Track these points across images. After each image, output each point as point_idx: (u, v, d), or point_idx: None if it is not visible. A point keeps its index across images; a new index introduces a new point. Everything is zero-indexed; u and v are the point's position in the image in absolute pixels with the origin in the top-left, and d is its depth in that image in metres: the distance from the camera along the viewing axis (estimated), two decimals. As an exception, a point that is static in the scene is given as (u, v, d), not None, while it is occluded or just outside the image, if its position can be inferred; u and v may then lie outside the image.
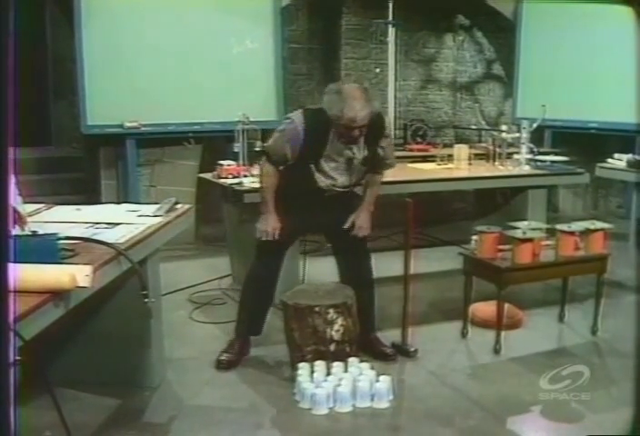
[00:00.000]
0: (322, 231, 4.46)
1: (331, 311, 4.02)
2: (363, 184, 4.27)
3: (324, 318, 4.01)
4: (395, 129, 7.89)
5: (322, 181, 4.06)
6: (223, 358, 4.23)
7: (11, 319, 1.60)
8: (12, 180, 1.72)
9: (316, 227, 4.35)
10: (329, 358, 4.02)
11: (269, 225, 4.07)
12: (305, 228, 4.35)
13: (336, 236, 4.32)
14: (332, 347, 4.05)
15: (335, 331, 4.04)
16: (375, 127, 3.97)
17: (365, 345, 4.33)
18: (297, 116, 3.98)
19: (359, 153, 4.04)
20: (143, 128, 6.67)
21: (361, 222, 4.21)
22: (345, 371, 3.95)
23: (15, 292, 1.61)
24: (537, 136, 7.11)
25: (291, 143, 3.96)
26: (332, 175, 4.06)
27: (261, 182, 4.16)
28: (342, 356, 4.04)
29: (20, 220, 2.94)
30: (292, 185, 4.06)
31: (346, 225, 4.19)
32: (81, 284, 2.55)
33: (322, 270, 4.69)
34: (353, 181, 4.14)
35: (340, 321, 4.03)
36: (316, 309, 4.02)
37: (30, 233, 2.90)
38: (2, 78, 1.47)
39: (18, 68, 1.57)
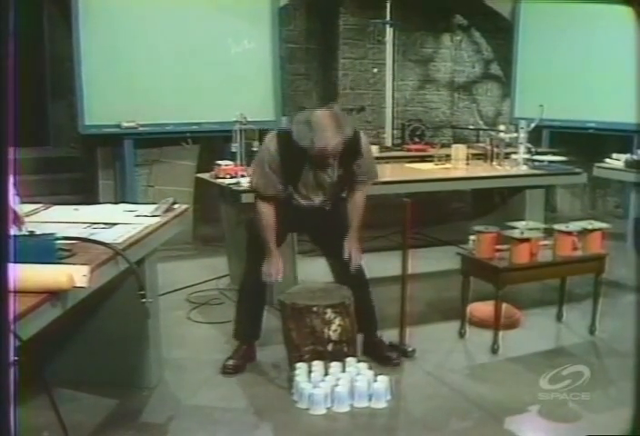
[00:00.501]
0: (307, 234, 4.46)
1: (329, 311, 4.01)
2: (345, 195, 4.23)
3: (321, 318, 4.01)
4: (393, 129, 7.92)
5: (299, 201, 4.05)
6: (229, 363, 4.20)
7: (9, 319, 1.60)
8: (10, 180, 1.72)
9: (301, 230, 4.36)
10: (327, 358, 4.01)
11: (273, 268, 4.07)
12: (291, 230, 4.35)
13: (322, 241, 4.34)
14: (329, 347, 4.04)
15: (333, 331, 4.03)
16: (349, 149, 3.87)
17: (368, 349, 4.33)
18: (272, 143, 3.90)
19: (333, 173, 3.99)
20: (140, 128, 6.66)
21: (354, 252, 4.16)
22: (343, 371, 3.95)
23: (12, 292, 1.61)
24: (535, 136, 7.11)
25: (273, 171, 3.90)
26: (309, 196, 4.05)
27: (260, 222, 4.05)
28: (340, 356, 4.03)
29: (17, 220, 2.94)
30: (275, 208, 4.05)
31: (345, 256, 4.13)
32: (78, 284, 2.55)
33: (318, 270, 4.68)
34: (330, 197, 4.11)
35: (338, 321, 4.03)
36: (314, 309, 4.01)
37: (27, 234, 2.90)
38: (2, 78, 1.47)
39: (18, 69, 1.56)
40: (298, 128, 3.73)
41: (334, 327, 4.03)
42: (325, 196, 4.08)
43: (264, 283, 4.21)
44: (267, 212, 4.00)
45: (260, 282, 4.19)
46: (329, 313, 4.01)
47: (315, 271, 4.49)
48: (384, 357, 4.28)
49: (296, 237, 5.14)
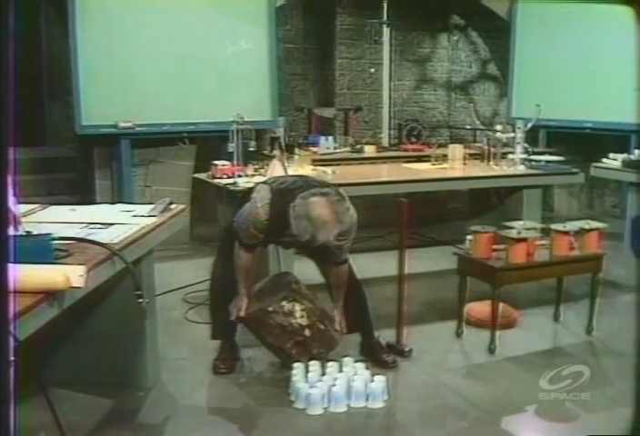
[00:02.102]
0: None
1: (284, 303, 3.97)
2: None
3: (282, 313, 3.96)
4: (390, 129, 7.92)
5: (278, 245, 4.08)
6: (219, 365, 4.19)
7: (7, 320, 1.60)
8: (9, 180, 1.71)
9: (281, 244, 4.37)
10: (310, 342, 4.00)
11: (238, 306, 4.02)
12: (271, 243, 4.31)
13: (305, 248, 4.18)
14: (307, 332, 4.00)
15: (300, 317, 3.98)
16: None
17: (365, 350, 4.32)
18: (263, 209, 3.78)
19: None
20: (137, 128, 6.65)
21: (339, 320, 4.13)
22: (340, 371, 3.95)
23: (10, 292, 1.61)
24: (532, 136, 7.12)
25: (259, 231, 3.84)
26: (287, 247, 4.11)
27: (236, 267, 4.00)
28: (321, 335, 4.03)
29: (14, 220, 2.93)
30: None
31: (337, 327, 4.11)
32: (75, 285, 2.55)
33: (313, 270, 4.66)
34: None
35: (297, 307, 3.99)
36: (270, 309, 3.96)
37: (24, 234, 2.90)
38: (1, 79, 1.47)
39: (16, 69, 1.56)
40: (298, 223, 3.61)
41: (298, 314, 3.98)
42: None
43: (234, 283, 4.12)
44: (245, 258, 3.96)
45: (231, 279, 4.09)
46: (286, 306, 3.97)
47: (311, 270, 4.47)
48: (380, 360, 4.25)
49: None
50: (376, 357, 4.27)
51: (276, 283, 4.20)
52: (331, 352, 4.15)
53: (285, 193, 3.80)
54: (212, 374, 4.14)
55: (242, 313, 4.02)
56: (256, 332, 4.08)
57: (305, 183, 3.88)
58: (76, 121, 6.50)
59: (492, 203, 6.75)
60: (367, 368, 4.01)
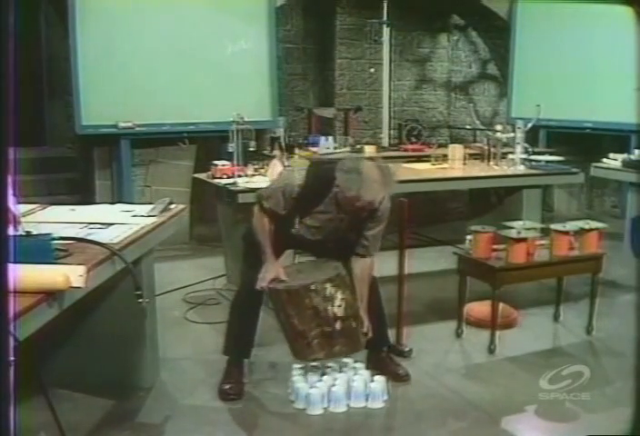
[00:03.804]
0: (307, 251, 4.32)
1: (328, 286, 3.64)
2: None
3: (322, 295, 3.63)
4: (390, 129, 7.92)
5: (302, 232, 3.81)
6: (227, 389, 3.90)
7: (7, 320, 1.60)
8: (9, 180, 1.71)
9: (300, 248, 4.28)
10: (337, 338, 3.71)
11: (275, 274, 3.73)
12: (289, 248, 4.22)
13: (324, 254, 4.03)
14: (337, 325, 3.68)
15: (337, 306, 3.65)
16: (375, 209, 3.71)
17: (375, 363, 4.12)
18: (299, 176, 3.68)
19: (344, 224, 3.77)
20: (137, 128, 6.66)
21: (366, 322, 3.87)
22: (340, 371, 3.94)
23: (10, 292, 1.61)
24: (532, 136, 7.12)
25: (284, 197, 3.69)
26: (312, 233, 3.81)
27: (256, 231, 3.80)
28: (350, 334, 3.73)
29: (14, 220, 2.93)
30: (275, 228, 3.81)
31: (365, 330, 3.84)
32: (75, 284, 2.55)
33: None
34: (330, 241, 3.87)
35: (339, 295, 3.66)
36: (312, 287, 3.62)
37: (24, 234, 2.90)
38: (1, 79, 1.47)
39: (17, 69, 1.56)
40: (347, 177, 3.53)
41: (337, 302, 3.66)
42: (326, 238, 3.84)
43: (259, 303, 3.95)
44: (264, 222, 3.76)
45: (255, 297, 3.91)
46: (329, 289, 3.64)
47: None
48: (391, 373, 4.07)
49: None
50: (388, 370, 4.09)
51: (319, 267, 3.87)
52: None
53: (324, 162, 3.80)
54: (211, 374, 4.08)
55: (282, 278, 3.72)
56: (284, 309, 3.71)
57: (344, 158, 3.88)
58: (76, 121, 6.50)
59: (492, 203, 6.75)
60: (367, 368, 4.00)
